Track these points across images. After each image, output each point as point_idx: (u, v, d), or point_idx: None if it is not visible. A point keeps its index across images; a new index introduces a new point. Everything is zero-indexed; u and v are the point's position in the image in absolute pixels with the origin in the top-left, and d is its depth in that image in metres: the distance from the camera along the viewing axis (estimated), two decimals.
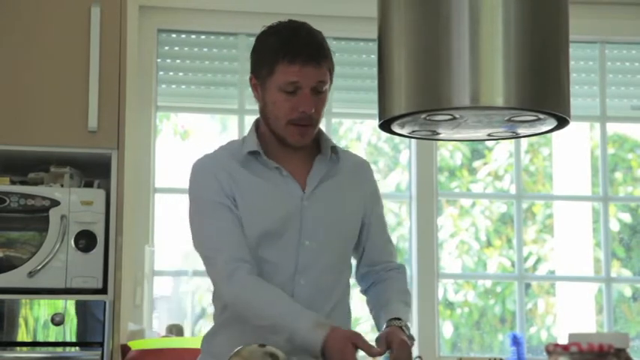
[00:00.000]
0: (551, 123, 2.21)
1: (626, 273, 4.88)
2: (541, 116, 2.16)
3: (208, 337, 2.50)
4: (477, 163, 5.23)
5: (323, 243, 2.43)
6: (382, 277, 2.59)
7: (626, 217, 4.99)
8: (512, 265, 4.57)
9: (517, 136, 2.36)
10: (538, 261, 5.08)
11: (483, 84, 2.10)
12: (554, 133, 2.39)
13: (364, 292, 2.62)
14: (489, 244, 5.19)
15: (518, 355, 4.04)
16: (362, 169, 2.61)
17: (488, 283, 5.15)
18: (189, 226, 2.46)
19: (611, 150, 4.70)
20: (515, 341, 4.07)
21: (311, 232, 2.42)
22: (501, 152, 5.14)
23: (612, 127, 4.59)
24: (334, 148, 2.53)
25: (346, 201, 2.51)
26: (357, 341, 2.20)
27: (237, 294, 2.34)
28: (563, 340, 1.64)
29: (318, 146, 2.53)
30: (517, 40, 2.09)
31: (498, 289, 5.14)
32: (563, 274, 4.62)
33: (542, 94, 2.14)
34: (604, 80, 4.41)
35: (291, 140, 2.44)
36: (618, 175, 4.96)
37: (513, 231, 4.43)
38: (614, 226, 4.87)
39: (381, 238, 2.62)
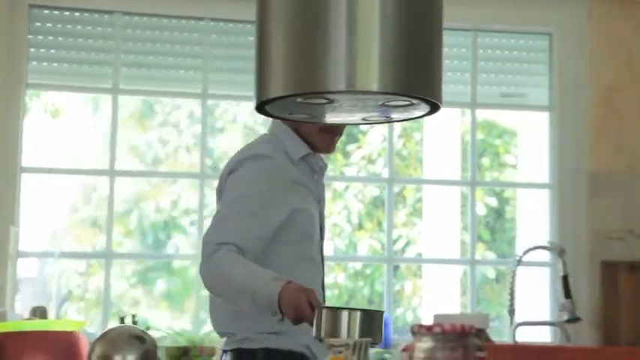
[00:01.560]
0: (424, 108, 2.25)
1: (491, 255, 5.03)
2: (414, 101, 2.20)
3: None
4: (351, 147, 5.29)
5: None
6: None
7: (492, 202, 5.13)
8: (383, 247, 4.64)
9: (390, 121, 2.40)
10: (407, 244, 5.19)
11: (359, 69, 2.12)
12: (426, 119, 2.46)
13: None
14: (361, 227, 5.26)
15: (384, 335, 4.12)
16: (324, 175, 2.86)
17: (359, 266, 5.22)
18: (219, 217, 2.59)
19: (480, 136, 4.82)
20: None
21: (323, 234, 2.74)
22: (375, 136, 5.21)
23: (482, 114, 4.70)
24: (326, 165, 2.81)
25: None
26: (310, 294, 2.34)
27: (213, 268, 2.48)
28: (428, 321, 1.68)
29: None
30: (393, 27, 2.12)
31: (368, 271, 5.22)
32: (430, 256, 4.73)
33: (416, 80, 2.18)
34: (475, 68, 4.51)
35: (322, 147, 2.69)
36: (486, 161, 5.10)
37: (384, 214, 4.51)
38: (481, 210, 5.00)
39: None
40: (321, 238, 2.73)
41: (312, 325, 2.24)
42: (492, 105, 4.62)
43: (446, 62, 4.41)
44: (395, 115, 2.34)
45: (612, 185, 4.41)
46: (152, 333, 2.84)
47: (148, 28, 4.28)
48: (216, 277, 2.48)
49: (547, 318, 4.32)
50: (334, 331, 2.15)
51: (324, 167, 2.76)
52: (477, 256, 4.60)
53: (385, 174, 4.60)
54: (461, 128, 4.72)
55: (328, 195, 5.12)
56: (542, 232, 4.44)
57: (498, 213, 5.16)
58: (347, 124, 2.58)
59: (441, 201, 4.73)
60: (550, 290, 4.35)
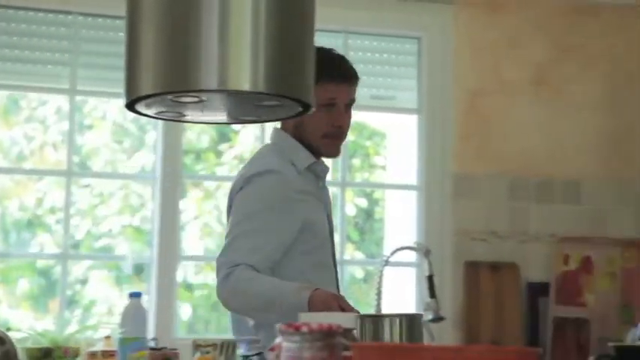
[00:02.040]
0: (296, 109, 2.26)
1: (360, 256, 5.08)
2: (286, 102, 2.20)
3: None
4: (223, 146, 5.27)
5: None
6: None
7: (362, 202, 5.19)
8: None
9: (262, 121, 2.40)
10: None
11: (231, 68, 2.11)
12: None
13: None
14: None
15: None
16: (325, 178, 2.90)
17: None
18: (231, 234, 2.63)
19: (351, 137, 4.87)
20: None
21: (332, 238, 2.78)
22: (247, 136, 5.21)
23: (353, 115, 4.74)
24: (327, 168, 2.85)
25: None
26: (341, 301, 2.40)
27: (232, 289, 2.53)
28: (298, 321, 1.69)
29: None
30: (265, 27, 2.11)
31: None
32: None
33: (288, 81, 2.18)
34: None
35: (326, 152, 2.73)
36: (356, 162, 5.15)
37: None
38: (351, 211, 5.05)
39: None
40: (332, 242, 2.78)
41: None
42: (363, 107, 4.66)
43: None
44: (267, 115, 2.34)
45: (476, 188, 4.52)
46: (13, 334, 2.76)
47: (14, 21, 4.16)
48: (238, 297, 2.53)
49: None
50: (377, 337, 2.21)
51: (326, 170, 2.81)
52: (346, 257, 4.65)
53: None
54: None
55: (200, 194, 5.08)
56: (409, 233, 4.51)
57: (368, 214, 5.22)
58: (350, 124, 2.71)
59: None
60: (416, 290, 4.42)
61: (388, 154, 4.93)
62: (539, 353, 1.72)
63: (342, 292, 2.73)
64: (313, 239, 2.67)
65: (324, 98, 2.65)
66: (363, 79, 4.65)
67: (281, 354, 1.46)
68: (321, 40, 4.61)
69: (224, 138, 5.27)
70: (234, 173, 5.30)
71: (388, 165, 4.91)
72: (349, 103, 2.73)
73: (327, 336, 1.46)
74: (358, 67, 4.61)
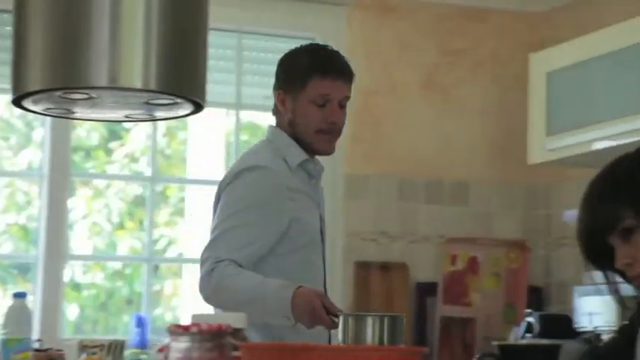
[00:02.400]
0: (188, 107, 2.25)
1: None
2: (178, 100, 2.19)
3: None
4: (113, 144, 5.20)
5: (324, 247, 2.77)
6: None
7: None
8: (143, 247, 4.59)
9: (154, 119, 2.38)
10: (169, 243, 5.15)
11: (122, 65, 2.09)
12: (190, 118, 2.45)
13: None
14: (122, 226, 5.19)
15: (141, 336, 4.07)
16: (321, 177, 2.86)
17: (118, 265, 5.14)
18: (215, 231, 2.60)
19: (244, 136, 4.86)
20: (140, 322, 4.10)
21: (324, 237, 2.74)
22: (139, 134, 5.15)
23: (246, 115, 4.74)
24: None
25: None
26: (324, 299, 2.38)
27: (215, 284, 2.49)
28: (187, 321, 1.68)
29: None
30: (157, 25, 2.10)
31: (128, 270, 5.15)
32: (191, 256, 4.72)
33: (180, 79, 2.18)
34: (240, 69, 4.55)
35: (320, 148, 2.69)
36: None
37: (146, 213, 4.46)
38: None
39: None
40: (322, 241, 2.73)
41: (327, 329, 2.35)
42: (256, 107, 4.66)
43: (211, 62, 4.41)
44: (159, 114, 2.32)
45: (367, 188, 4.57)
46: None
47: None
48: (220, 293, 2.50)
49: None
50: (360, 337, 2.19)
51: (321, 170, 2.77)
52: None
53: (148, 172, 4.56)
54: (225, 129, 4.74)
55: (89, 192, 5.01)
56: None
57: None
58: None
59: (204, 201, 4.73)
60: None
61: None
62: (426, 352, 1.74)
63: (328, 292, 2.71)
64: (301, 238, 2.63)
65: (317, 94, 2.64)
66: (256, 78, 4.71)
67: (170, 355, 1.45)
68: (214, 39, 4.59)
69: (115, 136, 5.20)
70: (126, 172, 5.25)
71: None
72: (343, 101, 2.70)
73: (217, 336, 1.46)
74: (251, 67, 4.66)
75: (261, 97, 4.62)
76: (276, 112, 2.75)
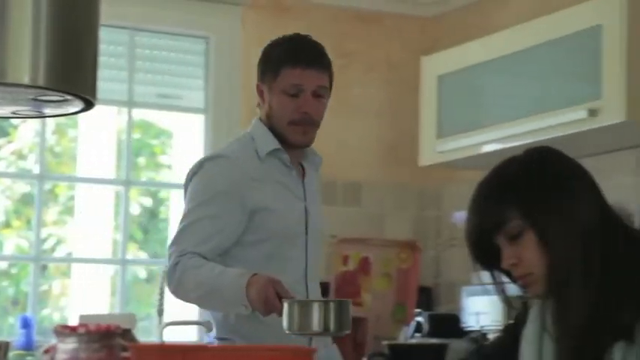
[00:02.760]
0: (78, 105, 2.21)
1: (143, 255, 5.03)
2: (67, 97, 2.15)
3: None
4: (0, 141, 5.08)
5: (319, 247, 2.71)
6: None
7: (147, 201, 5.14)
8: (31, 246, 4.49)
9: (43, 116, 2.33)
10: (57, 243, 5.06)
11: (9, 60, 2.04)
12: (81, 115, 2.41)
13: None
14: (8, 224, 5.07)
15: (27, 337, 3.99)
16: (319, 170, 2.81)
17: (4, 265, 5.02)
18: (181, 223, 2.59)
19: (136, 135, 4.81)
20: (25, 323, 4.02)
21: (313, 235, 2.66)
22: (27, 131, 5.04)
23: (138, 113, 4.69)
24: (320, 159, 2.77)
25: (320, 208, 2.77)
26: (277, 286, 2.32)
27: (179, 279, 2.48)
28: (75, 322, 1.66)
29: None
30: (46, 20, 2.06)
31: (14, 270, 5.04)
32: (81, 256, 4.64)
33: (69, 76, 2.14)
34: (133, 66, 4.49)
35: (293, 139, 2.62)
36: (142, 160, 5.09)
37: (34, 212, 4.36)
38: (135, 210, 4.99)
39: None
40: (306, 234, 2.65)
41: (279, 316, 2.26)
42: (149, 105, 4.62)
43: (102, 59, 4.34)
44: (48, 110, 2.27)
45: None
46: None
47: None
48: (183, 286, 2.48)
49: (196, 317, 4.38)
50: (306, 323, 2.16)
51: (318, 161, 2.75)
52: (129, 256, 4.58)
53: (36, 170, 4.47)
54: (117, 127, 4.67)
55: None
56: None
57: (152, 213, 5.17)
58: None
59: (94, 200, 4.66)
60: None
61: (174, 154, 4.90)
62: (315, 352, 1.75)
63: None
64: (267, 228, 2.58)
65: (289, 84, 2.61)
66: (149, 76, 4.66)
67: (56, 356, 1.43)
68: (106, 36, 4.54)
69: (2, 133, 5.08)
70: (13, 169, 5.14)
71: (174, 164, 4.88)
72: (318, 90, 2.63)
73: (105, 337, 1.44)
74: (144, 66, 4.60)
75: (154, 95, 4.58)
76: (259, 104, 2.74)
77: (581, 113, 3.54)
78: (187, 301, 2.60)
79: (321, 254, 2.77)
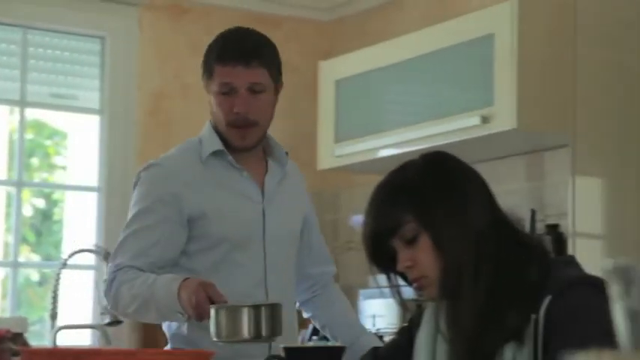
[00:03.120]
0: None
1: (36, 258, 4.94)
2: None
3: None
4: None
5: (284, 248, 2.51)
6: (328, 295, 2.71)
7: (40, 203, 5.04)
8: None
9: None
10: None
11: None
12: None
13: (303, 303, 2.71)
14: None
15: None
16: (298, 171, 2.67)
17: None
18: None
19: (29, 135, 4.72)
20: None
21: (274, 237, 2.48)
22: None
23: (32, 113, 4.60)
24: (287, 154, 2.59)
25: (295, 205, 2.58)
26: (209, 289, 2.19)
27: (115, 292, 2.36)
28: None
29: (264, 150, 2.58)
30: None
31: None
32: None
33: None
34: (25, 65, 4.41)
35: (233, 142, 2.47)
36: (35, 161, 4.99)
37: None
38: (28, 212, 4.89)
39: (320, 242, 2.73)
40: (263, 239, 2.47)
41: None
42: (43, 105, 4.54)
43: None
44: None
45: None
46: None
47: None
48: (120, 301, 2.36)
49: (90, 321, 4.32)
50: (235, 330, 2.03)
51: (282, 157, 2.58)
52: (21, 259, 4.49)
53: None
54: (9, 127, 4.58)
55: None
56: (88, 235, 4.44)
57: (45, 215, 5.08)
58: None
59: None
60: (94, 293, 4.36)
61: (69, 155, 4.82)
62: (212, 356, 1.75)
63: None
64: (207, 235, 2.43)
65: (219, 83, 2.44)
66: (43, 76, 4.58)
67: None
68: None
69: None
70: None
71: (69, 165, 4.81)
72: (254, 87, 2.44)
73: None
74: (37, 65, 4.52)
75: (47, 95, 4.50)
76: None
77: (474, 120, 3.61)
78: (127, 317, 2.50)
79: (291, 256, 2.57)
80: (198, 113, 4.65)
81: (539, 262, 1.71)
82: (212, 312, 2.07)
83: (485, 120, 3.59)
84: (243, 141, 2.48)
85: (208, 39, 4.67)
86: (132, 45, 4.57)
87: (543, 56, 3.57)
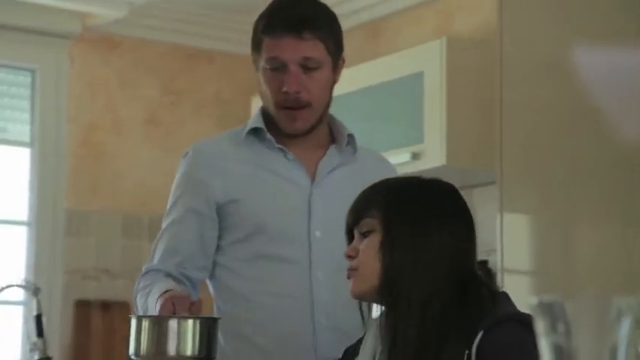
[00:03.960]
0: None
1: None
2: None
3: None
4: None
5: (335, 235, 1.96)
6: None
7: None
8: None
9: None
10: None
11: None
12: None
13: None
14: None
15: None
16: (385, 165, 2.30)
17: None
18: None
19: None
20: None
21: (322, 222, 2.11)
22: None
23: None
24: (351, 137, 2.21)
25: (355, 192, 2.09)
26: (176, 300, 1.87)
27: (135, 302, 2.10)
28: None
29: (333, 136, 2.22)
30: None
31: None
32: None
33: None
34: None
35: (283, 127, 2.13)
36: None
37: None
38: None
39: None
40: (310, 230, 2.12)
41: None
42: None
43: None
44: None
45: (89, 225, 4.50)
46: None
47: None
48: (136, 310, 2.09)
49: (19, 357, 4.27)
50: (160, 346, 1.73)
51: (342, 140, 2.19)
52: None
53: None
54: None
55: None
56: (18, 270, 4.39)
57: None
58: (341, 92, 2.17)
59: None
60: (23, 329, 4.30)
61: None
62: None
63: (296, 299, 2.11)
64: (239, 225, 2.11)
65: (267, 58, 2.10)
66: None
67: None
68: None
69: None
70: None
71: None
72: (306, 63, 2.09)
73: None
74: None
75: None
76: None
77: (404, 156, 3.67)
78: None
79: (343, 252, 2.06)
80: (130, 147, 4.66)
81: (478, 298, 1.74)
82: (132, 323, 1.80)
83: (415, 156, 3.65)
84: (294, 124, 2.13)
85: (140, 72, 4.71)
86: (62, 78, 4.55)
87: (471, 94, 3.65)
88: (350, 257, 1.80)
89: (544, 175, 3.04)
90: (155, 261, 2.14)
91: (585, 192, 2.89)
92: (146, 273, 2.13)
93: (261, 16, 2.15)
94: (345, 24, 2.09)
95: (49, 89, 4.53)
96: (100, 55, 4.63)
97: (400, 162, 3.71)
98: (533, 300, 0.84)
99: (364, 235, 1.79)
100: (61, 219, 4.44)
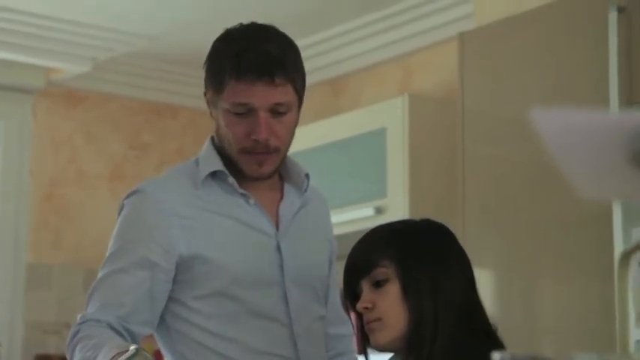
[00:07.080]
0: None
1: None
2: None
3: None
4: None
5: (308, 287, 1.99)
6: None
7: None
8: None
9: None
10: None
11: None
12: None
13: None
14: None
15: None
16: (325, 204, 2.18)
17: None
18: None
19: None
20: None
21: (296, 277, 2.00)
22: None
23: None
24: (307, 177, 2.09)
25: (319, 235, 2.10)
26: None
27: (72, 352, 1.89)
28: None
29: (280, 173, 2.08)
30: None
31: None
32: None
33: None
34: None
35: (247, 171, 1.97)
36: None
37: None
38: None
39: (336, 295, 2.17)
40: (284, 282, 1.99)
41: None
42: None
43: None
44: None
45: (50, 278, 4.47)
46: None
47: None
48: None
49: None
50: None
51: (301, 181, 2.07)
52: None
53: None
54: None
55: None
56: None
57: None
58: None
59: None
60: None
61: None
62: None
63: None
64: (206, 280, 1.95)
65: (234, 103, 1.92)
66: None
67: None
68: None
69: None
70: None
71: None
72: (277, 108, 1.94)
73: None
74: None
75: None
76: (211, 112, 2.04)
77: (368, 211, 3.70)
78: None
79: (321, 297, 2.07)
80: (94, 201, 4.65)
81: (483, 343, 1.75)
82: None
83: (378, 211, 3.68)
84: (261, 169, 1.99)
85: (104, 126, 4.72)
86: (26, 132, 4.54)
87: (434, 149, 3.69)
88: (366, 309, 1.79)
89: (506, 230, 3.08)
90: (94, 309, 1.94)
91: (547, 247, 2.93)
92: (84, 322, 1.93)
93: (225, 54, 1.96)
94: (308, 80, 2.08)
95: (12, 143, 4.52)
96: (64, 109, 4.63)
97: (364, 216, 3.73)
98: (496, 356, 0.86)
99: (376, 285, 1.79)
100: (22, 273, 4.41)
